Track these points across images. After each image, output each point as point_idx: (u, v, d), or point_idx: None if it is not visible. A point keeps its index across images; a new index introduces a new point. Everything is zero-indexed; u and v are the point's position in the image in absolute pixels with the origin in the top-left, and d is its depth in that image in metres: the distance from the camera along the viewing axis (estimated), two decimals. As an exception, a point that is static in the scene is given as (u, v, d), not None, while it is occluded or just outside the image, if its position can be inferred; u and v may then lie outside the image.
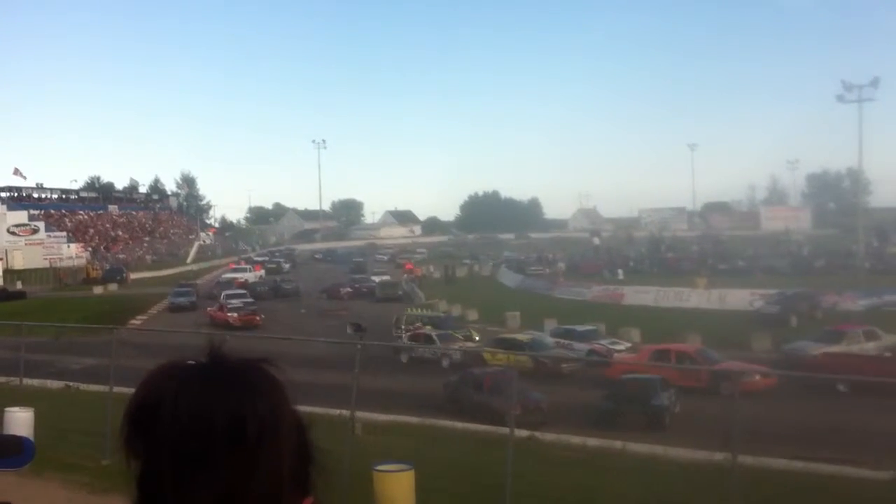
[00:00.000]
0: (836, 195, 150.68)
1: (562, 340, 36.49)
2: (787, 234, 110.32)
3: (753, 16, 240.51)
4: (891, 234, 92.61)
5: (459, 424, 21.39)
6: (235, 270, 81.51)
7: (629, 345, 36.71)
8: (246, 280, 71.43)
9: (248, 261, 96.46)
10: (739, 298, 51.84)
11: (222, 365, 1.24)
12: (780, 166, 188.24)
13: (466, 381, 25.46)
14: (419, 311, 47.57)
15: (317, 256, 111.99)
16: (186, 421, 1.15)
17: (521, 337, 35.89)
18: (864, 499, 15.25)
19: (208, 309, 51.77)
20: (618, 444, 19.30)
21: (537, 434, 19.15)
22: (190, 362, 1.25)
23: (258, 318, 48.14)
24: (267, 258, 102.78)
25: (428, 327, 40.22)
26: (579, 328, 38.15)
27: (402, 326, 41.43)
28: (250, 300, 53.54)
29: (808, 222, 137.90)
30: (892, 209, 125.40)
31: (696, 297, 54.62)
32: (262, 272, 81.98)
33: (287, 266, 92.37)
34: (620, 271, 75.22)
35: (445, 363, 31.92)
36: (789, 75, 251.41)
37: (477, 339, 38.82)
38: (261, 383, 1.22)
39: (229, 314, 48.22)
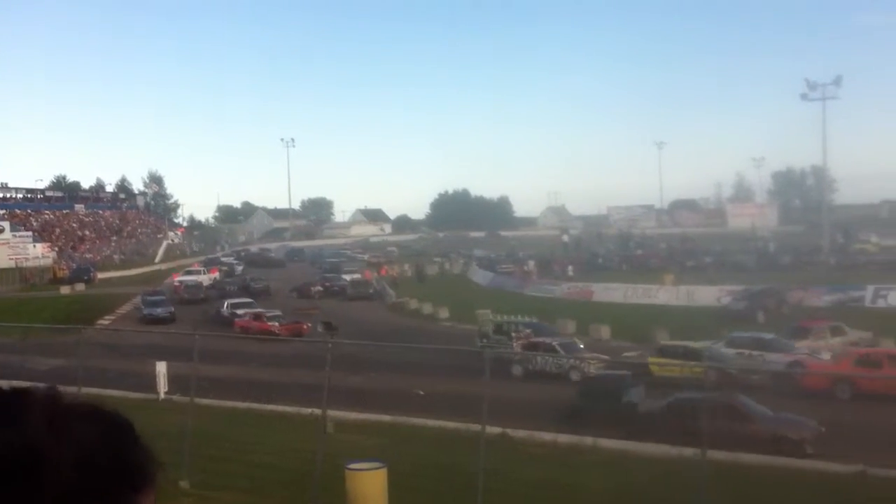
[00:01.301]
0: (801, 192, 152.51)
1: (753, 352, 31.12)
2: (754, 231, 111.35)
3: (718, 15, 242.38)
4: (855, 231, 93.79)
5: (431, 422, 21.43)
6: (188, 273, 75.85)
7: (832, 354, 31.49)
8: (201, 283, 67.43)
9: (208, 262, 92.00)
10: (707, 295, 52.32)
11: None
12: (746, 164, 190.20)
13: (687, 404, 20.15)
14: (502, 316, 41.27)
15: (296, 259, 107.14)
16: None
17: (694, 344, 31.58)
18: (832, 491, 15.48)
19: (237, 321, 45.53)
20: (588, 440, 19.44)
21: (509, 431, 19.23)
22: None
23: (306, 326, 43.35)
24: (233, 258, 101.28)
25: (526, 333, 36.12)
26: (765, 336, 33.03)
27: (492, 335, 37.21)
28: (261, 309, 48.11)
29: (774, 219, 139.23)
30: (856, 206, 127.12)
31: (665, 294, 55.09)
32: (217, 275, 76.99)
33: (240, 268, 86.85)
34: (570, 268, 76.76)
35: (575, 376, 28.89)
36: (754, 74, 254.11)
37: (581, 346, 34.19)
38: (21, 413, 1.11)
39: (270, 323, 43.17)
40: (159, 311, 50.30)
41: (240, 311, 47.85)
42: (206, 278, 72.80)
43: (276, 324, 43.14)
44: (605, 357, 31.60)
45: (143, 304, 53.07)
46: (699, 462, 12.02)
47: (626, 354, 32.54)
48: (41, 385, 1.20)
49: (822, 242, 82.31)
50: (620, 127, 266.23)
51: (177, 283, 67.74)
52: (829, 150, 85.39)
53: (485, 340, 36.54)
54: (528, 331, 36.56)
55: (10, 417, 1.09)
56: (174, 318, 49.44)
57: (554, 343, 32.35)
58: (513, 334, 36.53)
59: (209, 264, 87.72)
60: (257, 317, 44.97)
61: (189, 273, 76.06)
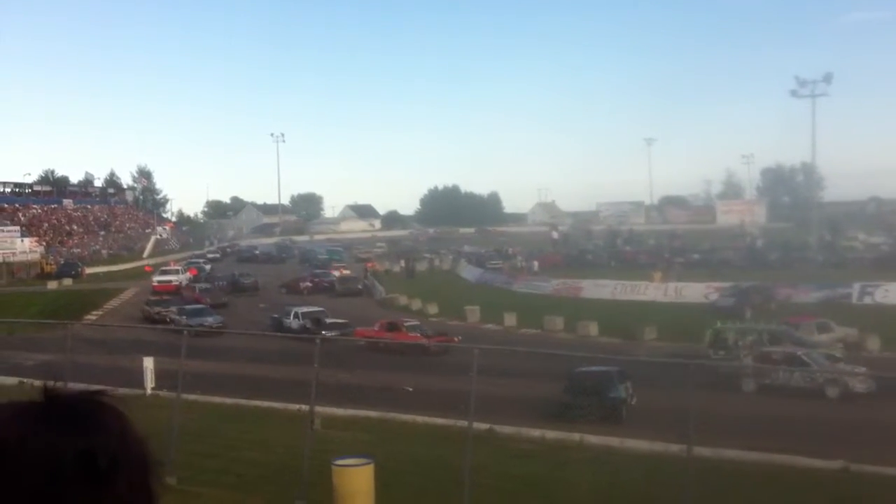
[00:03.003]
0: (789, 189, 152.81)
1: None
2: (742, 228, 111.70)
3: (708, 12, 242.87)
4: (843, 228, 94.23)
5: (419, 418, 21.46)
6: (165, 273, 70.42)
7: None
8: (180, 283, 64.51)
9: (193, 259, 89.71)
10: (695, 291, 52.47)
11: (62, 402, 1.20)
12: (736, 160, 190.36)
13: None
14: (736, 323, 36.30)
15: (284, 256, 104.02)
16: (35, 463, 1.12)
17: None
18: (816, 487, 15.54)
19: (358, 330, 39.13)
20: (576, 436, 19.49)
21: (496, 427, 19.25)
22: (26, 402, 1.21)
23: (457, 339, 36.07)
24: (218, 255, 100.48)
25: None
26: None
27: (731, 346, 32.92)
28: (343, 321, 42.25)
29: (763, 216, 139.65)
30: (844, 203, 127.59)
31: (653, 291, 55.20)
32: (194, 275, 71.56)
33: (208, 268, 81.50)
34: (536, 263, 77.68)
35: (834, 393, 25.51)
36: (744, 71, 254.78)
37: (839, 356, 30.02)
38: (105, 417, 1.20)
39: (412, 334, 37.36)
40: (210, 320, 43.47)
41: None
42: (183, 278, 68.25)
43: (419, 334, 37.45)
44: (863, 369, 25.58)
45: (181, 313, 45.55)
46: (685, 458, 12.05)
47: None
48: (98, 389, 1.29)
49: (810, 239, 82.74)
50: (611, 123, 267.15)
51: (155, 284, 64.44)
52: (818, 147, 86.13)
53: (721, 353, 32.40)
54: (750, 339, 32.83)
55: (89, 424, 1.18)
56: (225, 326, 42.72)
57: (800, 353, 28.27)
58: (739, 343, 32.64)
59: (191, 263, 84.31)
60: (392, 326, 38.78)
61: (165, 272, 70.94)
